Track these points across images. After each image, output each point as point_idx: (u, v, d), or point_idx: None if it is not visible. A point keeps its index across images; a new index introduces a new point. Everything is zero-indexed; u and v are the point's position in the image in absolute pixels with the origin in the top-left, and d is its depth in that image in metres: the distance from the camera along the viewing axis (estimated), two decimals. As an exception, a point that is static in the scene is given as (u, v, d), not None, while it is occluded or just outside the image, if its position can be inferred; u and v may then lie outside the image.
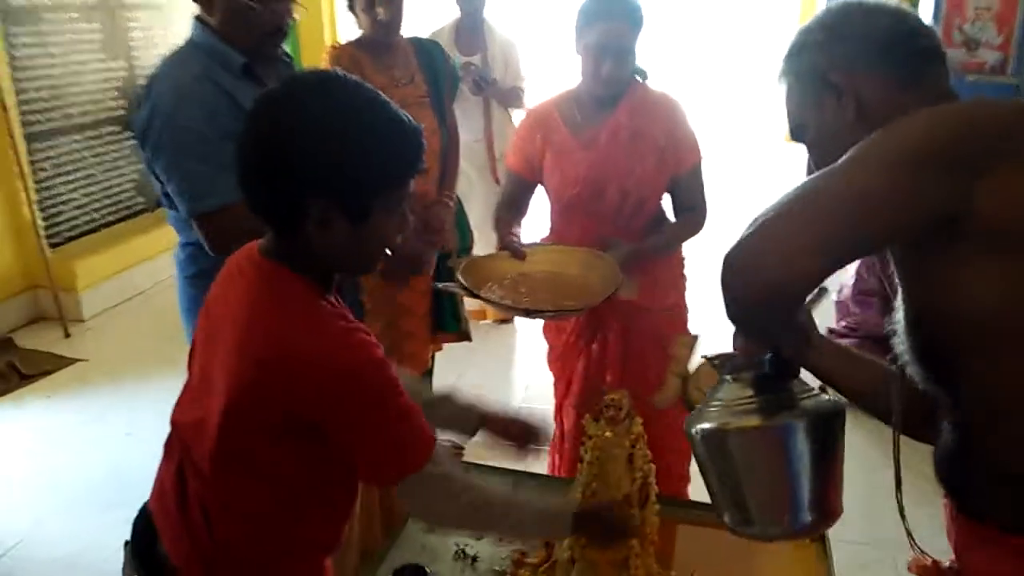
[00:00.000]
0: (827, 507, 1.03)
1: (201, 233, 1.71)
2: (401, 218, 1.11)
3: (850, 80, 1.04)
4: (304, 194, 1.01)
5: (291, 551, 1.17)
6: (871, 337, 3.11)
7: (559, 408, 2.38)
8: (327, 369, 1.02)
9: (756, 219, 0.91)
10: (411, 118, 1.08)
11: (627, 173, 2.06)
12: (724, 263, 0.93)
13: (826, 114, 1.07)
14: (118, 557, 1.25)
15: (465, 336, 2.65)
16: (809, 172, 1.01)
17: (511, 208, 2.24)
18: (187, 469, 1.15)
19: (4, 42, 3.76)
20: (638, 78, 2.10)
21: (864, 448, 2.37)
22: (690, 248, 2.26)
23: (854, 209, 0.89)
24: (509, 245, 2.10)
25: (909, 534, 1.10)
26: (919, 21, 1.09)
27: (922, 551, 1.10)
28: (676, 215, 2.21)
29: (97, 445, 3.00)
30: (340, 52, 2.27)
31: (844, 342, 3.19)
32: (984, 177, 0.86)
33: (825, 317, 3.47)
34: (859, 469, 2.43)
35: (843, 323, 3.34)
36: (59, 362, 3.62)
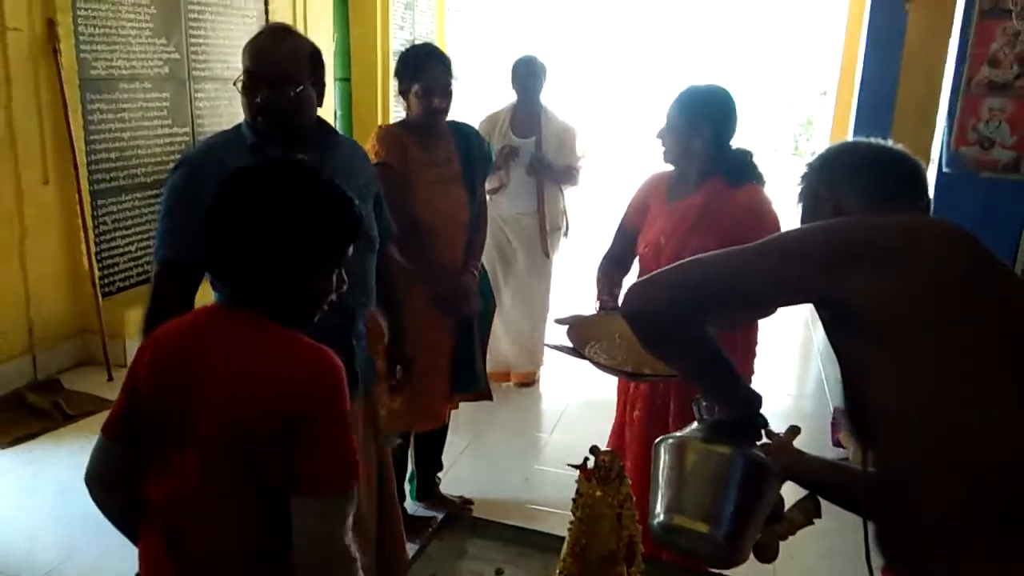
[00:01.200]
0: (738, 541, 1.22)
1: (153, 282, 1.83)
2: (339, 277, 1.33)
3: (835, 196, 1.27)
4: (268, 263, 1.24)
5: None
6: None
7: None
8: (318, 373, 1.22)
9: (659, 271, 1.18)
10: (353, 198, 1.32)
11: (685, 247, 2.18)
12: (624, 295, 1.18)
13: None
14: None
15: (484, 395, 2.75)
16: None
17: (612, 261, 2.46)
18: (177, 529, 1.28)
19: (81, 107, 4.10)
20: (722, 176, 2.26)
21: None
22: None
23: (738, 278, 1.13)
24: (604, 303, 2.28)
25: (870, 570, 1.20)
26: (898, 153, 1.32)
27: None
28: None
29: (129, 484, 3.15)
30: (387, 132, 2.55)
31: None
32: (849, 274, 1.04)
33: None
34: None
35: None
36: (101, 404, 3.81)
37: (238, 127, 1.88)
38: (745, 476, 1.23)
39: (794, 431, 1.40)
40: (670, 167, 2.37)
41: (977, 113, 3.53)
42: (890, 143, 1.34)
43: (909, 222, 1.14)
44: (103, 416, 3.88)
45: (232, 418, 1.22)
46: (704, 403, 1.38)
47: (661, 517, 1.28)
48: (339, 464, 1.22)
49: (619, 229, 2.48)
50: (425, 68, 2.47)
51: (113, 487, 1.40)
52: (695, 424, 1.37)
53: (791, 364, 5.00)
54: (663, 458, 1.32)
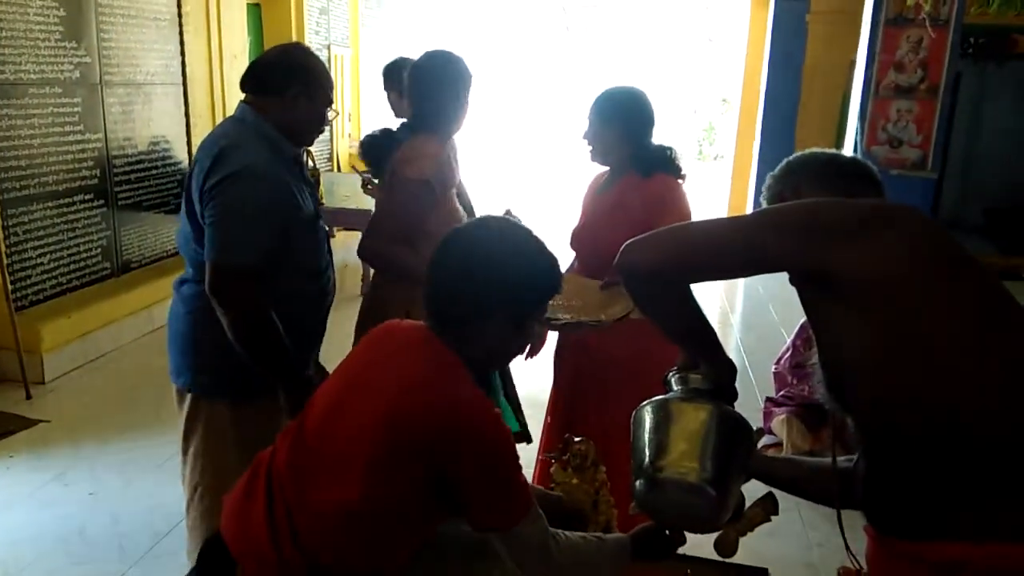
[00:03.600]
0: (723, 491, 1.27)
1: (214, 280, 1.88)
2: (540, 326, 1.49)
3: (796, 196, 1.37)
4: (484, 310, 1.36)
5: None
6: (806, 405, 3.31)
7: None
8: (472, 428, 1.29)
9: (655, 230, 1.25)
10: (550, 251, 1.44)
11: (599, 237, 2.39)
12: (621, 250, 1.23)
13: None
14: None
15: (524, 437, 2.60)
16: None
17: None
18: (278, 498, 1.34)
19: (-11, 112, 3.89)
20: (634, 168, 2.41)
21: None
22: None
23: (730, 242, 1.20)
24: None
25: (846, 544, 1.29)
26: (850, 158, 1.46)
27: (854, 557, 1.28)
28: None
29: (61, 504, 3.02)
30: (439, 152, 2.36)
31: (781, 410, 3.40)
32: (842, 247, 1.12)
33: (765, 388, 3.69)
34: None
35: (781, 393, 3.55)
36: (20, 423, 3.62)
37: (249, 132, 1.97)
38: (726, 429, 1.30)
39: (760, 433, 1.50)
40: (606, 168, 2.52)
41: (886, 115, 3.78)
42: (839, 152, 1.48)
43: (882, 202, 1.24)
44: (24, 436, 3.75)
45: (385, 429, 1.28)
46: (676, 376, 1.43)
47: (647, 470, 1.30)
48: (503, 505, 1.33)
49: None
50: (470, 80, 2.41)
51: None
52: (670, 393, 1.42)
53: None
54: (646, 419, 1.35)
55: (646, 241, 1.21)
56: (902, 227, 1.15)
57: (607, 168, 2.51)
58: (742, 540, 1.46)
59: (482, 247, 1.40)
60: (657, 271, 1.21)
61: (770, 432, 3.43)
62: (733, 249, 1.19)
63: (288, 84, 1.97)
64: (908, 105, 3.73)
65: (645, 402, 1.39)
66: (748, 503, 1.47)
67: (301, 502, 1.32)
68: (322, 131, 2.17)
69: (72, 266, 4.56)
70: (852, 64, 5.03)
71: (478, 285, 1.35)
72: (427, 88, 2.37)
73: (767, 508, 1.50)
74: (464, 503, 1.33)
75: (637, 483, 1.32)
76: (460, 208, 2.50)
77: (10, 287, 4.00)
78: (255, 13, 7.04)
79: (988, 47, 6.43)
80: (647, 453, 1.31)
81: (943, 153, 4.44)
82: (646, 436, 1.33)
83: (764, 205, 1.44)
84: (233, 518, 1.39)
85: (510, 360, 1.50)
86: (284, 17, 7.23)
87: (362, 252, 2.41)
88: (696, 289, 1.26)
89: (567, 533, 1.44)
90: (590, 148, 2.43)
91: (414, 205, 2.29)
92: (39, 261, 4.30)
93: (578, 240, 2.53)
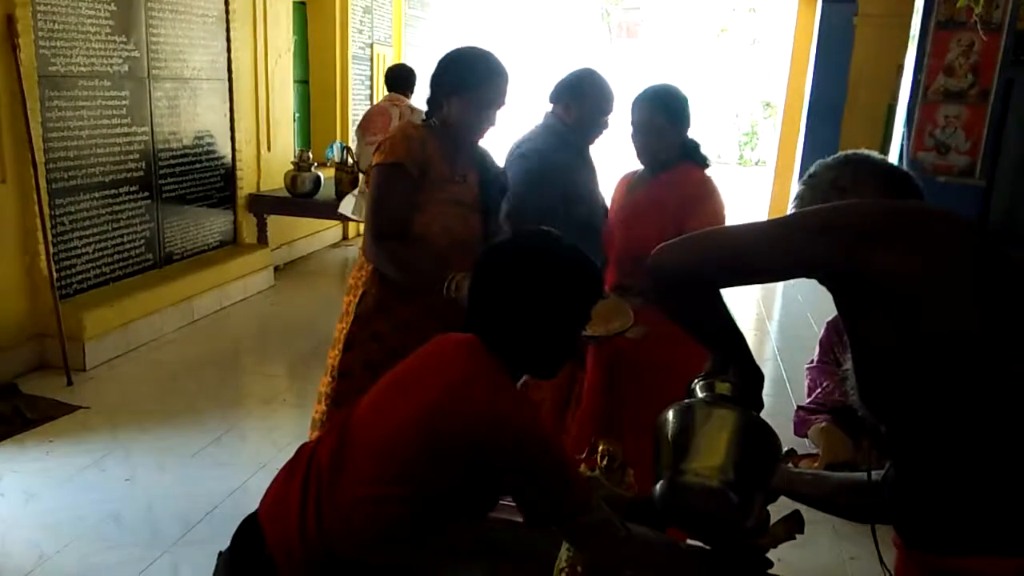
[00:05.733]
0: (745, 497, 1.24)
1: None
2: (582, 339, 1.49)
3: (855, 185, 1.33)
4: (528, 325, 1.38)
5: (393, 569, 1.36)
6: (839, 411, 3.24)
7: None
8: (512, 428, 1.29)
9: (689, 233, 1.23)
10: (595, 264, 1.46)
11: (632, 231, 2.42)
12: (653, 252, 1.20)
13: None
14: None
15: None
16: None
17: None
18: (312, 487, 1.35)
19: (40, 104, 3.99)
20: (690, 161, 2.44)
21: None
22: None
23: (765, 245, 1.17)
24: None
25: (880, 559, 1.26)
26: (906, 171, 1.44)
27: (889, 571, 1.25)
28: None
29: (97, 489, 3.08)
30: (414, 134, 2.24)
31: (818, 418, 3.32)
32: (881, 249, 1.09)
33: (800, 398, 3.62)
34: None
35: (810, 400, 3.48)
36: (61, 409, 3.70)
37: (554, 137, 2.60)
38: (750, 435, 1.27)
39: (792, 453, 1.47)
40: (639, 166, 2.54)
41: (934, 120, 3.70)
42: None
43: (920, 204, 1.21)
44: (64, 421, 3.84)
45: (425, 428, 1.29)
46: (701, 383, 1.39)
47: (668, 473, 1.28)
48: (554, 501, 1.32)
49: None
50: (495, 78, 2.24)
51: None
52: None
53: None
54: (669, 422, 1.33)
55: (679, 244, 1.19)
56: (941, 230, 1.11)
57: (639, 166, 2.52)
58: (774, 552, 1.43)
59: (522, 261, 1.41)
60: (690, 274, 1.18)
61: (803, 436, 3.37)
62: (769, 252, 1.16)
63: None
64: (957, 111, 3.65)
65: (669, 406, 1.37)
66: (774, 519, 1.44)
67: (333, 493, 1.33)
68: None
69: (116, 256, 4.65)
70: (900, 68, 4.92)
71: (522, 301, 1.37)
72: (432, 81, 2.31)
73: (791, 527, 1.47)
74: (516, 502, 1.34)
75: (658, 486, 1.30)
76: (470, 213, 2.30)
77: (55, 275, 4.10)
78: (300, 11, 7.13)
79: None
80: (669, 456, 1.29)
81: (992, 161, 4.33)
82: (669, 439, 1.31)
83: (806, 192, 1.40)
84: (271, 501, 1.42)
85: (558, 370, 1.49)
86: (328, 15, 7.31)
87: (367, 255, 2.28)
88: (734, 298, 1.24)
89: (639, 527, 1.41)
90: (640, 147, 2.43)
91: (386, 191, 2.18)
92: (84, 251, 4.40)
93: (612, 238, 2.52)
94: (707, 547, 1.41)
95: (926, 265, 1.07)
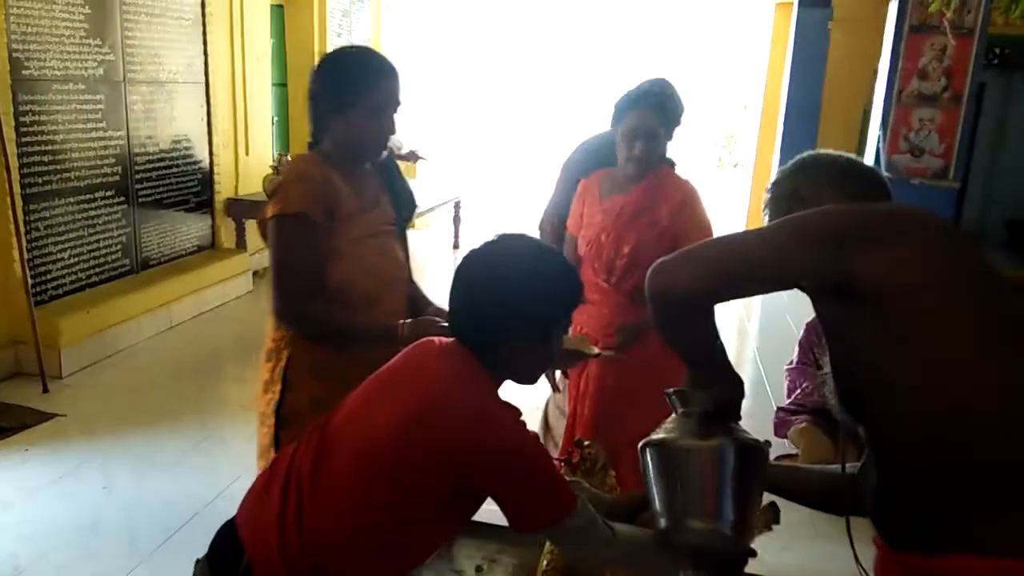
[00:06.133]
0: (744, 527, 1.25)
1: None
2: (561, 342, 1.47)
3: (817, 197, 1.33)
4: (509, 329, 1.35)
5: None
6: (819, 412, 3.27)
7: None
8: (494, 435, 1.28)
9: (682, 249, 1.20)
10: (573, 267, 1.47)
11: (624, 241, 2.37)
12: (650, 273, 1.18)
13: None
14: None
15: None
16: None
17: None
18: (292, 496, 1.34)
19: (13, 108, 3.93)
20: (666, 165, 2.43)
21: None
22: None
23: (759, 257, 1.16)
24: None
25: (856, 557, 1.27)
26: (868, 166, 1.43)
27: (863, 569, 1.26)
28: None
29: (74, 498, 3.04)
30: (313, 173, 1.85)
31: (798, 419, 3.35)
32: (865, 254, 1.10)
33: (780, 399, 3.65)
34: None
35: (789, 401, 3.50)
36: (37, 416, 3.65)
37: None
38: (739, 464, 1.26)
39: (767, 444, 1.47)
40: (596, 171, 2.50)
41: (908, 123, 3.75)
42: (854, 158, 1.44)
43: (901, 206, 1.22)
44: (40, 430, 3.78)
45: (405, 435, 1.28)
46: (679, 394, 1.37)
47: (664, 523, 1.29)
48: (539, 507, 1.31)
49: (567, 236, 2.59)
50: (381, 79, 1.88)
51: None
52: (673, 416, 1.37)
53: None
54: (652, 463, 1.32)
55: (677, 262, 1.17)
56: (922, 234, 1.13)
57: (597, 173, 2.50)
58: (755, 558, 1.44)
59: (500, 266, 1.39)
60: (692, 293, 1.17)
61: (784, 437, 3.39)
62: (765, 264, 1.16)
63: None
64: (931, 114, 3.70)
65: (651, 439, 1.33)
66: None
67: (314, 501, 1.32)
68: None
69: (92, 262, 4.60)
70: (875, 72, 4.98)
71: (500, 306, 1.35)
72: (310, 99, 1.92)
73: (768, 518, 1.50)
74: (501, 508, 1.33)
75: (658, 527, 1.31)
76: (388, 240, 1.97)
77: (30, 281, 4.04)
78: (278, 13, 7.09)
79: (1014, 57, 6.35)
80: (662, 503, 1.30)
81: (966, 164, 4.40)
82: (657, 482, 1.31)
83: (771, 204, 1.41)
84: (249, 509, 1.40)
85: (539, 375, 1.48)
86: (306, 18, 7.27)
87: (289, 326, 1.87)
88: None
89: (622, 526, 1.41)
90: (639, 154, 2.31)
91: (291, 249, 1.80)
92: (59, 256, 4.34)
93: (594, 252, 2.43)
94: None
95: (905, 271, 1.08)
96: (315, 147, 1.94)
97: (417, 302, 2.07)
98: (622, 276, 2.39)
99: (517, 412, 1.32)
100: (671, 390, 1.37)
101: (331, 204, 1.83)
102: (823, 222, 1.17)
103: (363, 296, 1.87)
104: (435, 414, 1.28)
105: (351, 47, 2.01)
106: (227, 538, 1.39)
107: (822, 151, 1.43)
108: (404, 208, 2.10)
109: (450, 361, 1.37)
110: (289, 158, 6.10)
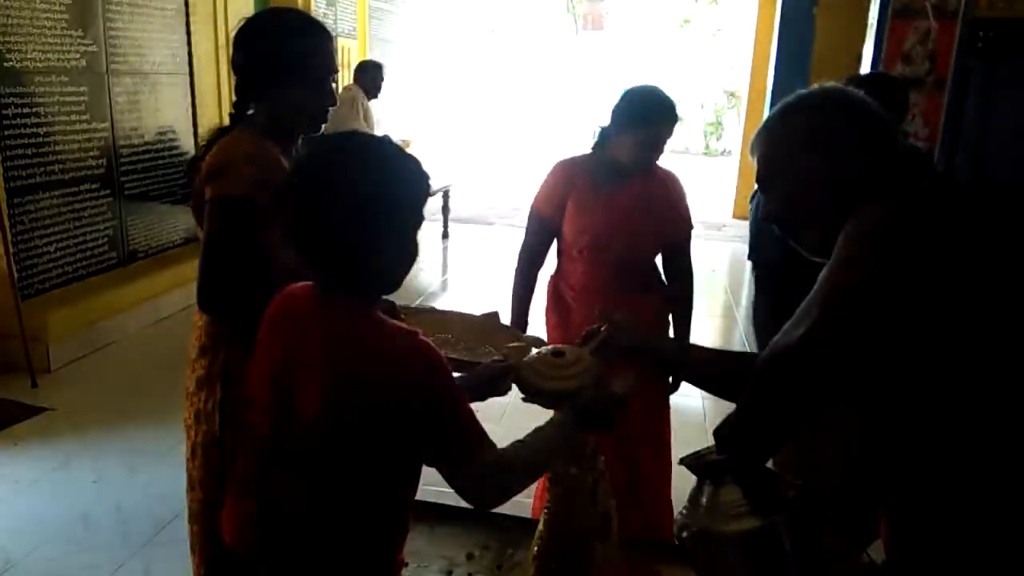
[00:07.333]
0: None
1: None
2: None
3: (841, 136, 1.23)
4: (367, 240, 1.21)
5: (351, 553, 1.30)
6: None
7: None
8: (419, 363, 1.21)
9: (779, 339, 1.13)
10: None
11: (633, 233, 2.38)
12: (767, 373, 1.13)
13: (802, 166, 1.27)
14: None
15: None
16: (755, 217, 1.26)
17: (532, 262, 2.53)
18: (263, 499, 1.31)
19: (-6, 100, 3.90)
20: None
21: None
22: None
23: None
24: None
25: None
26: (854, 94, 1.30)
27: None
28: (667, 279, 2.54)
29: (65, 492, 3.03)
30: (255, 152, 1.69)
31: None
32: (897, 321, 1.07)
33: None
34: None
35: None
36: (26, 411, 3.64)
37: None
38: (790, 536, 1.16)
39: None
40: (576, 156, 2.49)
41: (893, 108, 3.76)
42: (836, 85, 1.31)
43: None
44: (29, 424, 3.76)
45: (334, 410, 1.22)
46: (706, 465, 1.24)
47: None
48: (468, 434, 1.25)
49: (538, 224, 2.50)
50: (321, 42, 1.77)
51: None
52: (702, 488, 1.25)
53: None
54: (698, 552, 1.23)
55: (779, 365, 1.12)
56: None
57: (574, 157, 2.49)
58: None
59: (341, 173, 1.21)
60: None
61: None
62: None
63: None
64: (915, 98, 3.72)
65: (691, 523, 1.23)
66: None
67: (285, 502, 1.29)
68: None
69: (78, 255, 4.57)
70: (859, 58, 5.00)
71: (355, 214, 1.20)
72: (244, 65, 1.76)
73: (630, 383, 1.48)
74: (432, 447, 1.25)
75: None
76: None
77: (16, 275, 4.02)
78: (262, 3, 7.03)
79: (999, 42, 6.37)
80: None
81: (950, 148, 4.41)
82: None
83: (757, 143, 1.32)
84: (235, 527, 1.37)
85: (406, 273, 1.31)
86: (291, 6, 7.22)
87: (215, 309, 1.73)
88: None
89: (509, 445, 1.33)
90: (652, 160, 2.38)
91: (233, 235, 1.65)
92: (45, 250, 4.32)
93: (608, 244, 2.40)
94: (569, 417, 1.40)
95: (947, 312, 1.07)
96: (239, 120, 1.76)
97: None
98: (627, 269, 2.42)
99: (417, 334, 1.24)
100: (689, 458, 1.27)
101: (271, 166, 1.68)
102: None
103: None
104: (352, 375, 1.21)
105: (277, 8, 1.83)
106: (227, 562, 1.36)
107: (812, 95, 1.29)
108: None
109: (330, 316, 1.26)
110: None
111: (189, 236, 5.68)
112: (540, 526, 1.72)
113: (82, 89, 4.51)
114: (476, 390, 1.52)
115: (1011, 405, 1.06)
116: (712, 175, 11.93)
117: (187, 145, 5.57)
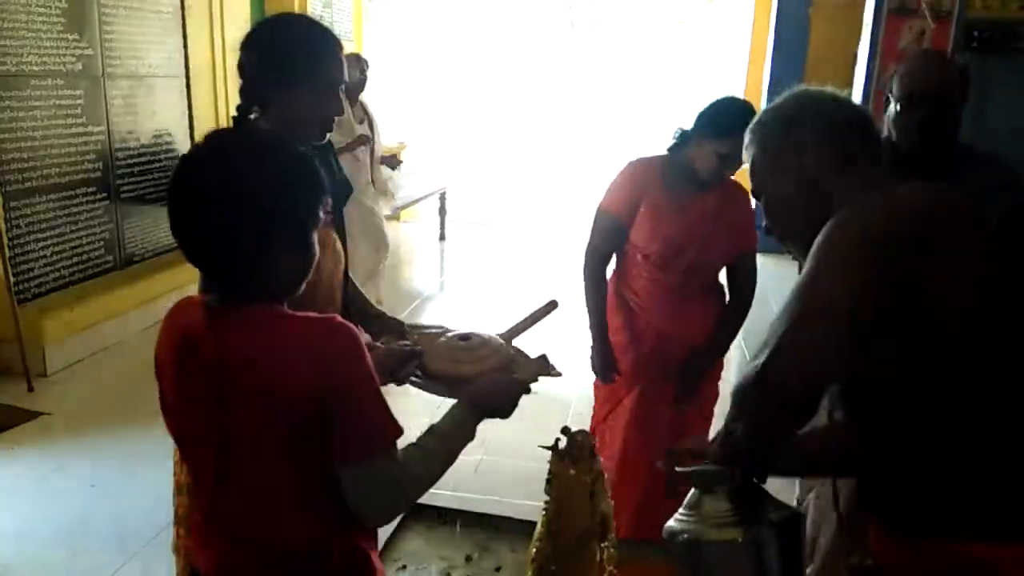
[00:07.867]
0: None
1: None
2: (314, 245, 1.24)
3: (799, 154, 1.26)
4: (262, 243, 1.14)
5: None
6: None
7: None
8: (333, 348, 1.15)
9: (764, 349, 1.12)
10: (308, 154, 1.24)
11: (705, 243, 2.37)
12: (747, 389, 1.13)
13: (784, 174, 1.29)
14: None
15: None
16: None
17: (602, 260, 2.49)
18: (227, 540, 1.25)
19: (-10, 104, 3.90)
20: None
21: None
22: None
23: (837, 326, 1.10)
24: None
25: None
26: (854, 106, 1.33)
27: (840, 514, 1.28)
28: (731, 290, 2.53)
29: (63, 496, 3.03)
30: None
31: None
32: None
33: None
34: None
35: None
36: (23, 415, 3.64)
37: None
38: (780, 547, 1.20)
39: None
40: (651, 157, 2.45)
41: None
42: (835, 91, 1.32)
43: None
44: (26, 428, 3.76)
45: (266, 412, 1.15)
46: (701, 474, 1.28)
47: None
48: (379, 425, 1.17)
49: (611, 222, 2.44)
50: (332, 53, 1.72)
51: None
52: (697, 496, 1.28)
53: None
54: (690, 560, 1.25)
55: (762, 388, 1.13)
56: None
57: (650, 157, 2.46)
58: None
59: (213, 174, 1.16)
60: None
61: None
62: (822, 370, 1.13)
63: None
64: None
65: (678, 530, 1.26)
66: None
67: (245, 524, 1.23)
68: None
69: (75, 259, 4.57)
70: (854, 57, 5.02)
71: (246, 219, 1.13)
72: (249, 68, 1.71)
73: (542, 366, 1.51)
74: (345, 431, 1.16)
75: None
76: (330, 243, 1.77)
77: (12, 279, 4.01)
78: (258, 6, 7.03)
79: (993, 41, 6.38)
80: None
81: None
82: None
83: (747, 159, 1.34)
84: (206, 557, 1.31)
85: (306, 277, 1.24)
86: (287, 10, 7.22)
87: None
88: None
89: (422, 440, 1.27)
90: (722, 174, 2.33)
91: None
92: (42, 253, 4.31)
93: (679, 253, 2.39)
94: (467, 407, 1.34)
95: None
96: (241, 124, 1.68)
97: (354, 301, 1.94)
98: (693, 278, 2.44)
99: (332, 318, 1.19)
100: (689, 469, 1.29)
101: None
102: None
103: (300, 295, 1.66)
104: (274, 383, 1.14)
105: (289, 15, 1.82)
106: None
107: (807, 93, 1.31)
108: (340, 195, 1.90)
109: (234, 328, 1.18)
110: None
111: (186, 239, 5.66)
112: (539, 526, 1.73)
113: (78, 92, 4.50)
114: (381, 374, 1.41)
115: (978, 408, 1.09)
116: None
117: (183, 147, 5.56)
